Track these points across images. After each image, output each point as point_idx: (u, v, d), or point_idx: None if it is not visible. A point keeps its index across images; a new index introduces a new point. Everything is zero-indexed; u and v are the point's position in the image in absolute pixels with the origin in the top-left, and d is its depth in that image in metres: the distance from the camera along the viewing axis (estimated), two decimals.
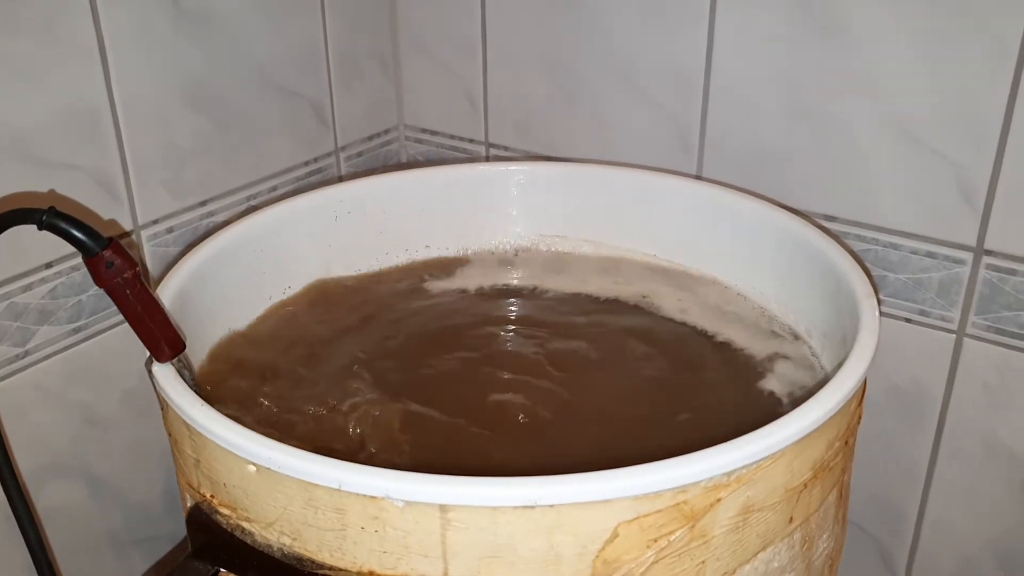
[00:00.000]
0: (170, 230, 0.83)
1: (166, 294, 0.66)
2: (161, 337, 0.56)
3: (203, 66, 0.83)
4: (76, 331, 0.77)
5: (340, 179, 0.99)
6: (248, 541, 0.53)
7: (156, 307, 0.55)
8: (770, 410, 0.68)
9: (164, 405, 0.57)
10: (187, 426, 0.54)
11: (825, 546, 0.60)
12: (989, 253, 0.76)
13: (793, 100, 0.81)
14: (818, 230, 0.74)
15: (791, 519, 0.55)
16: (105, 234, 0.54)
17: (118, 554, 0.85)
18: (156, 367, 0.57)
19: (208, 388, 0.67)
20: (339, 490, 0.48)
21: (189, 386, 0.57)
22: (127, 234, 0.80)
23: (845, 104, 0.78)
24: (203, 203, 0.86)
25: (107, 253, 0.53)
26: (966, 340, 0.79)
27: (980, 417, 0.81)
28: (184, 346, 0.58)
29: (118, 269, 0.53)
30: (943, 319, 0.80)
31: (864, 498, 0.89)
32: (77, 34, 0.73)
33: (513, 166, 0.90)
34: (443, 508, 0.47)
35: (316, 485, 0.49)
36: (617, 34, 0.87)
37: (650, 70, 0.87)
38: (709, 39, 0.83)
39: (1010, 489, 0.81)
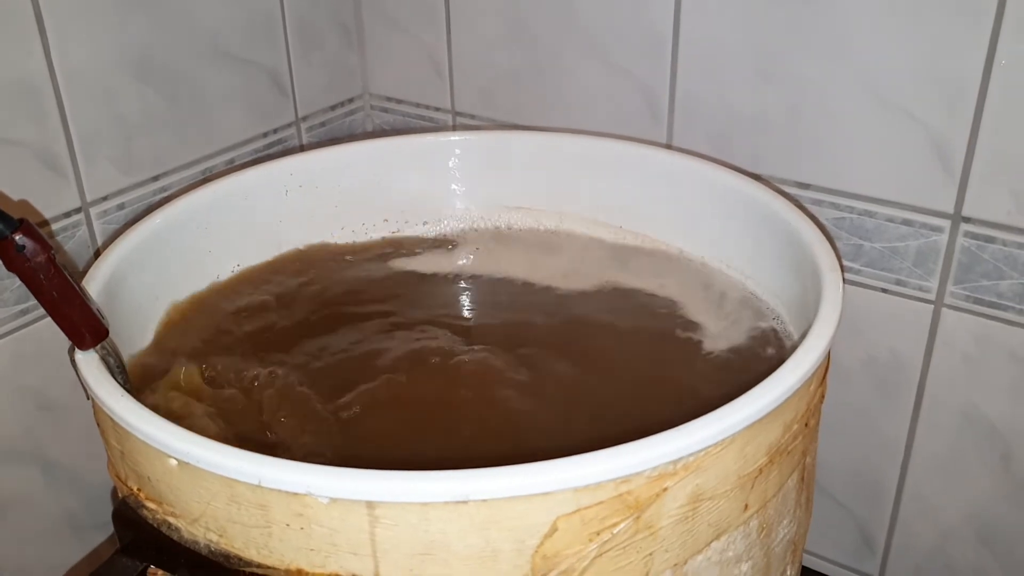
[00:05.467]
0: (121, 206, 0.81)
1: (99, 275, 0.63)
2: (81, 324, 0.53)
3: (151, 35, 0.79)
4: (24, 312, 0.75)
5: (302, 149, 0.96)
6: (175, 537, 0.51)
7: (74, 292, 0.53)
8: (731, 387, 0.65)
9: (88, 395, 0.55)
10: (109, 418, 0.51)
11: (786, 531, 0.58)
12: (967, 220, 0.73)
13: (764, 64, 0.77)
14: (784, 199, 0.71)
15: (746, 506, 0.52)
16: (43, 215, 0.51)
17: (79, 538, 0.83)
18: (79, 355, 0.55)
19: (152, 372, 0.65)
20: (260, 486, 0.46)
21: (115, 374, 0.54)
22: (76, 211, 0.77)
23: (818, 67, 0.75)
24: (155, 178, 0.83)
25: (17, 236, 0.50)
26: (944, 310, 0.77)
27: (959, 388, 0.79)
28: (107, 332, 0.55)
29: (30, 253, 0.50)
30: (920, 289, 0.77)
31: (842, 472, 0.87)
32: (10, 3, 0.69)
33: (471, 135, 0.87)
34: (370, 504, 0.45)
35: (237, 481, 0.46)
36: None
37: (617, 35, 0.84)
38: (677, 1, 0.79)
39: (989, 461, 0.80)
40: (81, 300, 0.53)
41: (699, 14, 0.79)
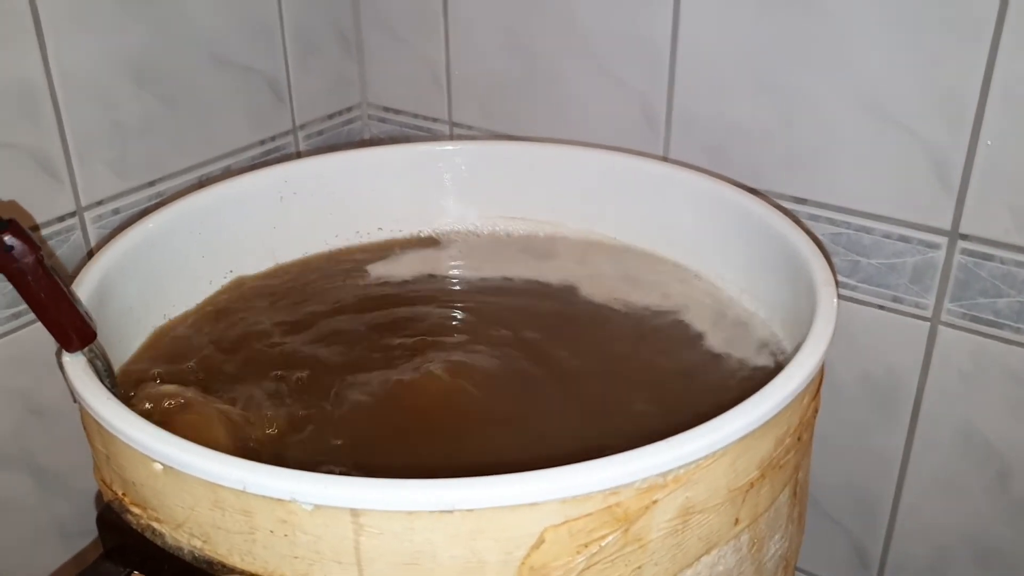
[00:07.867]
0: (116, 211, 0.80)
1: (89, 278, 0.62)
2: (68, 326, 0.53)
3: (149, 40, 0.79)
4: (15, 316, 0.74)
5: (299, 157, 0.96)
6: (159, 543, 0.50)
7: (62, 294, 0.52)
8: (723, 400, 0.64)
9: (75, 398, 0.54)
10: (95, 421, 0.51)
11: (778, 547, 0.57)
12: (964, 237, 0.73)
13: (762, 77, 0.77)
14: (779, 212, 0.71)
15: (737, 521, 0.52)
16: (34, 217, 0.51)
17: (67, 545, 0.83)
18: (66, 358, 0.54)
19: (142, 378, 0.65)
20: (244, 492, 0.45)
21: (103, 377, 0.54)
22: (71, 215, 0.77)
23: (816, 81, 0.75)
24: (151, 183, 0.83)
25: (6, 236, 0.50)
26: (941, 327, 0.76)
27: (955, 406, 0.78)
28: (95, 335, 0.55)
29: (18, 254, 0.50)
30: (917, 306, 0.77)
31: (837, 488, 0.86)
32: (8, 5, 0.69)
33: (468, 145, 0.86)
34: (354, 512, 0.44)
35: (221, 486, 0.46)
36: (581, 8, 0.84)
37: (615, 46, 0.84)
38: (675, 13, 0.79)
39: (986, 479, 0.79)
40: (69, 302, 0.53)
41: (697, 26, 0.79)
